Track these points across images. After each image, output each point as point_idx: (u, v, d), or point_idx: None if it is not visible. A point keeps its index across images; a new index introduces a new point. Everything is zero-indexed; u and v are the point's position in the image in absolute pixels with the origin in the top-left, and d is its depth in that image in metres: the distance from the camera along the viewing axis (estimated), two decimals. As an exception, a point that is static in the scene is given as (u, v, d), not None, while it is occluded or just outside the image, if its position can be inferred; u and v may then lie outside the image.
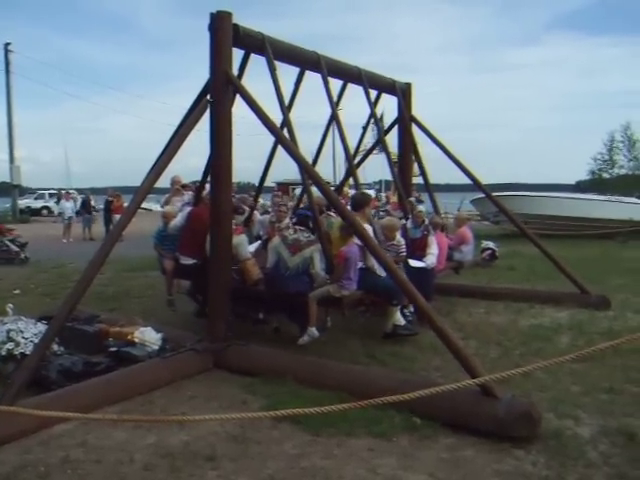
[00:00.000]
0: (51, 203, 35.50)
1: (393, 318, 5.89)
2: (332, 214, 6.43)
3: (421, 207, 7.84)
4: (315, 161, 7.67)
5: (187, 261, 6.27)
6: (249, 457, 3.49)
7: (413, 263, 6.49)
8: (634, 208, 17.03)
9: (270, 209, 8.80)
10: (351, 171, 7.63)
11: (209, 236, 5.75)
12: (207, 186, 6.16)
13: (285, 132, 5.83)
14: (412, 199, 8.15)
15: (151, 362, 4.91)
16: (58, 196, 31.38)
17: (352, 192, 8.50)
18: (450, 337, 4.22)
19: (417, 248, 6.86)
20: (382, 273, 5.64)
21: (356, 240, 5.48)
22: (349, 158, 7.33)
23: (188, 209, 6.47)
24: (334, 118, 7.02)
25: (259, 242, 6.77)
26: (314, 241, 5.66)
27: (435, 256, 6.90)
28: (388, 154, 8.01)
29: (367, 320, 6.47)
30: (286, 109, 6.00)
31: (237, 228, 6.01)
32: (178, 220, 6.44)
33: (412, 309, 6.45)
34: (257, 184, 7.72)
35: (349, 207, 5.95)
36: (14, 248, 12.89)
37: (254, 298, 6.05)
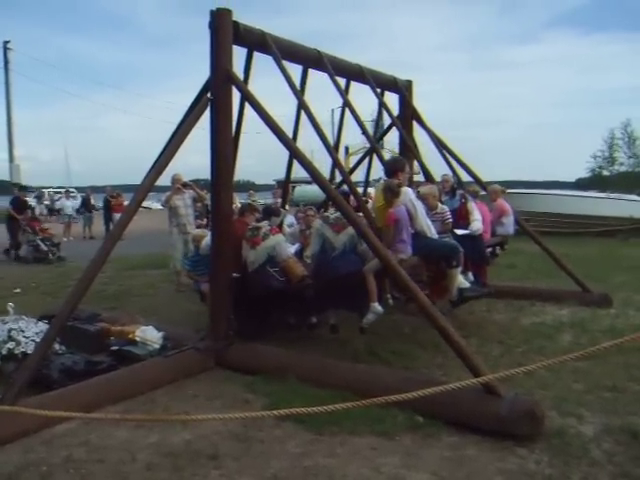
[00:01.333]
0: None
1: (456, 281, 5.56)
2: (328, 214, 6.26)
3: (450, 174, 7.60)
4: (337, 146, 7.57)
5: None
6: (252, 456, 3.48)
7: (460, 232, 6.17)
8: (635, 205, 17.00)
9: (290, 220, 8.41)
10: (376, 151, 7.54)
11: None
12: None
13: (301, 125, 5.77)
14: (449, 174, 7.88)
15: (153, 361, 4.90)
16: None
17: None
18: (452, 335, 4.20)
19: (459, 218, 6.52)
20: (433, 235, 5.43)
21: (402, 204, 5.20)
22: (373, 143, 7.22)
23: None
24: (347, 106, 6.92)
25: (298, 244, 6.39)
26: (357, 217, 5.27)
27: (480, 221, 6.57)
28: (407, 137, 7.83)
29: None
30: (300, 94, 5.96)
31: (273, 229, 5.87)
32: (209, 239, 6.05)
33: (471, 278, 6.22)
34: (279, 185, 7.66)
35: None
36: (44, 247, 12.92)
37: (303, 298, 5.57)
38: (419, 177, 10.02)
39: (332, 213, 5.63)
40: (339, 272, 5.26)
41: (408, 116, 8.39)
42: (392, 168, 5.71)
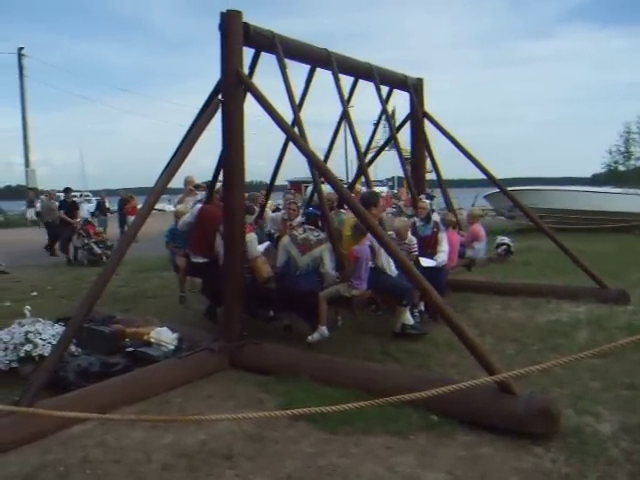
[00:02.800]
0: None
1: (402, 317, 5.88)
2: (343, 211, 6.41)
3: (426, 201, 7.75)
4: (326, 158, 7.63)
5: (198, 259, 6.27)
6: (266, 456, 3.49)
7: (424, 262, 6.42)
8: (652, 201, 16.76)
9: (281, 207, 8.77)
10: (363, 169, 7.59)
11: (219, 235, 5.79)
12: (218, 184, 6.18)
13: (296, 130, 5.82)
14: (422, 196, 8.09)
15: (167, 362, 4.93)
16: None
17: (364, 189, 8.47)
18: (466, 334, 4.18)
19: (428, 246, 6.76)
20: (392, 272, 5.68)
21: (368, 240, 5.47)
22: (360, 156, 7.30)
23: (198, 207, 6.48)
24: (345, 115, 7.01)
25: (268, 242, 6.76)
26: (324, 240, 5.65)
27: (446, 253, 6.81)
28: (399, 151, 7.95)
29: (380, 317, 6.45)
30: (297, 107, 5.99)
31: (247, 226, 6.00)
32: (187, 217, 6.47)
33: (422, 308, 6.45)
34: (291, 186, 7.74)
35: None
36: (97, 250, 13.09)
37: (264, 296, 6.03)
38: (431, 175, 9.98)
39: (300, 233, 5.79)
40: (299, 289, 5.60)
41: (419, 114, 8.35)
42: (366, 202, 5.89)
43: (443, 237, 6.92)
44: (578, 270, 7.73)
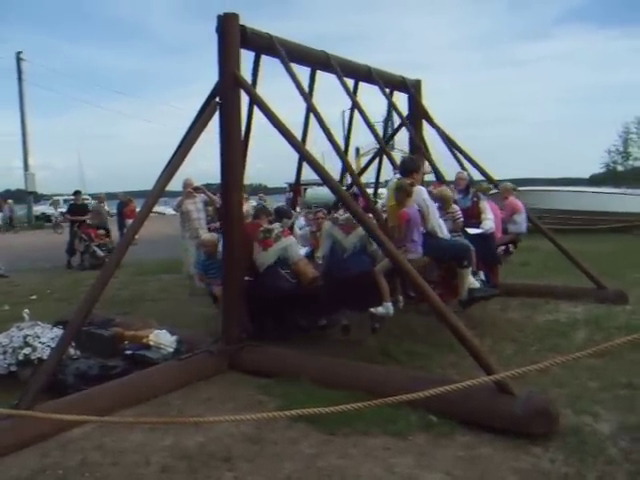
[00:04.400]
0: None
1: (467, 281, 5.55)
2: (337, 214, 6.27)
3: (464, 172, 7.60)
4: (346, 150, 7.61)
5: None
6: (265, 457, 3.49)
7: (471, 231, 6.18)
8: (650, 201, 16.77)
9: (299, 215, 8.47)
10: (385, 152, 7.56)
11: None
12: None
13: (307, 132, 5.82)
14: (461, 172, 7.88)
15: (166, 365, 4.94)
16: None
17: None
18: (465, 334, 4.18)
19: (471, 216, 6.50)
20: (445, 235, 5.43)
21: (415, 204, 5.23)
22: (379, 140, 7.24)
23: None
24: (356, 107, 6.95)
25: (307, 248, 6.51)
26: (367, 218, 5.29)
27: (492, 220, 6.59)
28: (413, 135, 7.83)
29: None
30: (311, 104, 5.99)
31: (285, 231, 5.91)
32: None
33: (482, 277, 6.15)
34: (290, 187, 7.75)
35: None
36: (100, 254, 13.04)
37: (314, 300, 5.57)
38: (430, 177, 9.98)
39: (341, 214, 5.62)
40: (350, 272, 5.24)
41: (418, 115, 8.37)
42: (407, 168, 5.71)
43: (485, 206, 6.71)
44: (576, 270, 7.74)
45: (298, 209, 8.03)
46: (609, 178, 30.82)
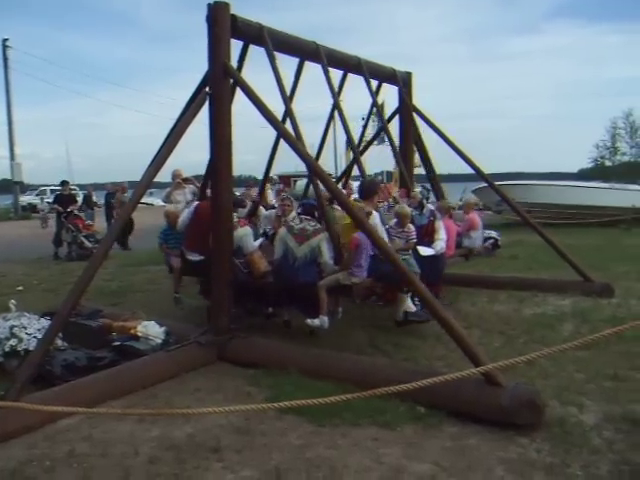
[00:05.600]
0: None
1: (404, 305, 5.74)
2: (337, 207, 6.38)
3: (417, 189, 7.76)
4: (319, 153, 7.65)
5: (194, 257, 6.12)
6: (254, 448, 3.50)
7: (422, 251, 6.33)
8: (637, 195, 16.95)
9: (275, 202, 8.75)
10: (357, 159, 7.57)
11: (213, 228, 5.73)
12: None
13: (288, 123, 5.80)
14: (418, 189, 8.09)
15: (155, 356, 4.92)
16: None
17: (356, 183, 8.49)
18: (453, 326, 4.21)
19: (425, 234, 6.67)
20: None
21: None
22: (353, 146, 7.31)
23: (194, 204, 6.40)
24: (336, 108, 7.00)
25: (263, 238, 6.67)
26: (321, 230, 5.57)
27: (444, 241, 6.76)
28: (392, 143, 7.95)
29: (372, 310, 6.46)
30: (287, 99, 5.97)
31: (240, 221, 5.97)
32: (185, 217, 6.33)
33: None
34: (262, 177, 7.71)
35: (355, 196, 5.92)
36: (88, 244, 12.91)
37: (262, 292, 5.95)
38: (420, 170, 10.01)
39: (297, 224, 5.72)
40: (296, 281, 5.48)
41: (408, 108, 8.37)
42: (367, 191, 5.90)
43: (440, 225, 6.86)
44: (564, 264, 7.81)
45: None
46: (597, 173, 31.05)
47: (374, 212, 5.77)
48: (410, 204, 7.10)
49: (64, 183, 14.81)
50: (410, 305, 5.84)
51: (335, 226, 5.61)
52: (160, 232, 6.95)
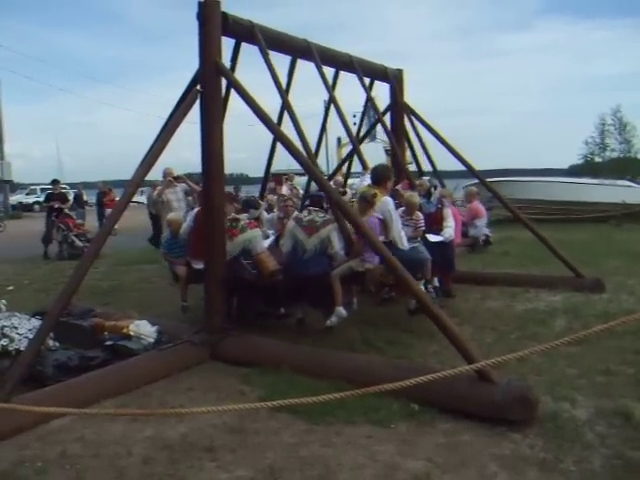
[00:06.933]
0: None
1: None
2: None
3: (425, 178, 7.73)
4: (317, 150, 7.62)
5: (200, 265, 5.89)
6: (247, 447, 3.49)
7: (432, 238, 6.33)
8: (626, 191, 17.07)
9: (272, 203, 8.66)
10: (357, 150, 7.54)
11: (205, 227, 5.68)
12: None
13: (287, 122, 5.80)
14: (425, 178, 8.00)
15: (147, 355, 4.90)
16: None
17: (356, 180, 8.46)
18: (446, 323, 4.22)
19: (433, 222, 6.68)
20: (404, 246, 5.54)
21: (377, 213, 5.34)
22: (352, 138, 7.31)
23: (195, 211, 6.29)
24: (332, 102, 6.97)
25: (271, 239, 6.59)
26: (330, 221, 5.51)
27: (452, 229, 6.75)
28: (390, 134, 7.91)
29: (365, 307, 6.46)
30: (285, 96, 5.95)
31: (251, 222, 5.87)
32: (187, 224, 6.26)
33: (437, 284, 6.38)
34: (261, 176, 7.68)
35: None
36: (79, 244, 12.80)
37: (273, 291, 5.79)
38: (411, 167, 10.00)
39: (305, 215, 5.67)
40: (308, 273, 5.40)
41: (399, 105, 8.37)
42: (379, 176, 5.84)
43: (448, 213, 6.85)
44: (555, 260, 7.84)
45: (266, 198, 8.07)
46: (587, 169, 31.25)
47: (387, 197, 5.67)
48: (418, 192, 7.09)
49: (55, 182, 14.73)
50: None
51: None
52: (163, 242, 6.89)
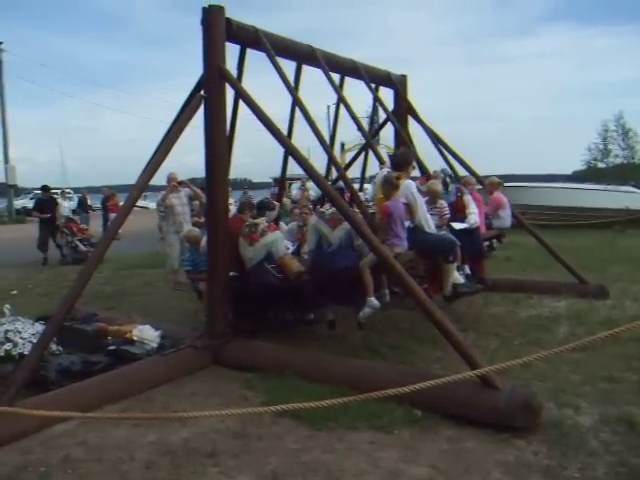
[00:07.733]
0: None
1: (451, 276, 5.55)
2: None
3: (438, 169, 7.68)
4: (332, 142, 7.60)
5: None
6: (250, 453, 3.49)
7: (457, 226, 6.20)
8: (630, 197, 17.03)
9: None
10: (370, 145, 7.48)
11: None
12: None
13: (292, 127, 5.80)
14: (438, 170, 7.92)
15: (150, 360, 4.90)
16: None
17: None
18: (449, 329, 4.21)
19: (456, 211, 6.55)
20: (432, 230, 5.47)
21: (402, 197, 5.26)
22: (365, 133, 7.28)
23: None
24: (342, 102, 6.96)
25: (292, 249, 6.36)
26: (353, 211, 5.39)
27: (476, 214, 6.61)
28: (400, 129, 7.91)
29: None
30: (299, 100, 5.98)
31: (270, 225, 5.79)
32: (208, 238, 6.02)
33: (467, 271, 6.25)
34: (276, 183, 7.69)
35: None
36: (83, 248, 12.81)
37: (300, 296, 5.59)
38: (414, 172, 9.98)
39: (327, 209, 5.61)
40: (335, 267, 5.20)
41: (403, 111, 8.38)
42: (399, 161, 5.75)
43: (469, 199, 6.73)
44: (559, 266, 7.83)
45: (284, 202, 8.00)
46: (590, 175, 31.20)
47: (410, 181, 5.58)
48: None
49: (44, 188, 14.70)
50: (458, 277, 5.66)
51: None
52: (186, 260, 6.82)
